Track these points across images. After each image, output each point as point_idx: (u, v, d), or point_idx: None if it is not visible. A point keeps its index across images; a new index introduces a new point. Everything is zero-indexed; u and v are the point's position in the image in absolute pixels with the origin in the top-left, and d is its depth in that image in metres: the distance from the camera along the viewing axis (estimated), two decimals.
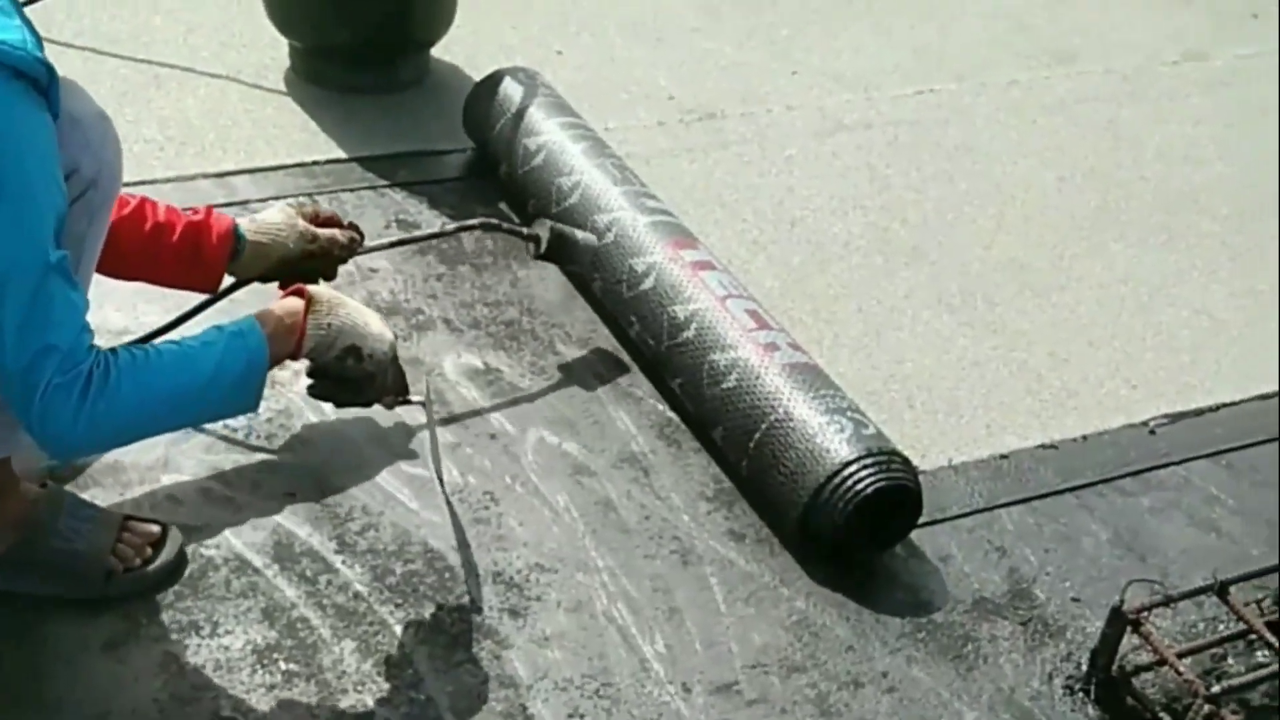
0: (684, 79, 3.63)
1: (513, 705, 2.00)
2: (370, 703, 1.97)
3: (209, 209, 2.20)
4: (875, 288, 2.96)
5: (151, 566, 2.08)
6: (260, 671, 1.99)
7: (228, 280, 2.26)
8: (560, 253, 2.61)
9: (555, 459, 2.41)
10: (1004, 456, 2.55)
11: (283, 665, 2.00)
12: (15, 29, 1.64)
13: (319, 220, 2.29)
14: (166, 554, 2.10)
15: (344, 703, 1.96)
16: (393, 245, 2.52)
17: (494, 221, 2.60)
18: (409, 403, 2.18)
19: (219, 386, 1.83)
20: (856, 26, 4.02)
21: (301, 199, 2.53)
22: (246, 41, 3.43)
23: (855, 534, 2.24)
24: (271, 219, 2.24)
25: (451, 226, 2.61)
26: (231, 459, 2.31)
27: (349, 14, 3.24)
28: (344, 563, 2.17)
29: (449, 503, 2.29)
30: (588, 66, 3.63)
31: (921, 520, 2.35)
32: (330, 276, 2.31)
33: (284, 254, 2.23)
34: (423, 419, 2.39)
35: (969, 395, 2.69)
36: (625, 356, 2.65)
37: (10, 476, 2.01)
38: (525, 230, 2.61)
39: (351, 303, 2.02)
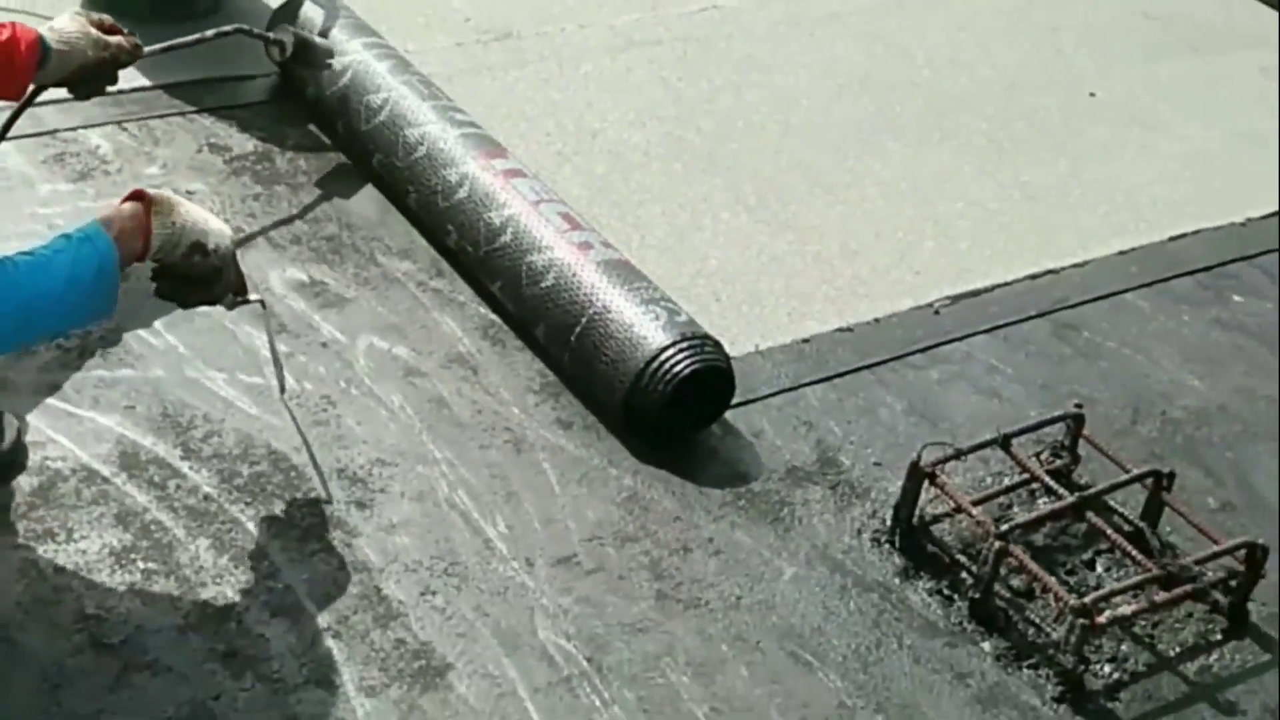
0: (478, 2, 3.72)
1: (367, 587, 2.12)
2: (230, 594, 2.07)
3: (12, 23, 2.20)
4: (676, 192, 3.12)
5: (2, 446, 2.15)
6: (119, 571, 2.06)
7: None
8: (303, 56, 2.92)
9: (386, 362, 2.52)
10: (805, 340, 2.75)
11: (141, 564, 2.08)
12: None
13: (105, 27, 2.35)
14: (8, 438, 2.16)
15: (205, 594, 2.06)
16: (165, 49, 2.61)
17: (245, 28, 2.85)
18: (248, 301, 2.23)
19: (75, 291, 1.89)
20: None
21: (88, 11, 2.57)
22: (52, 6, 3.41)
23: (675, 414, 2.40)
24: (69, 28, 2.28)
25: (210, 32, 2.76)
26: (67, 376, 2.36)
27: None
28: (191, 468, 2.25)
29: (283, 387, 2.38)
30: None
31: (735, 401, 2.53)
32: (113, 81, 2.36)
33: (82, 61, 2.27)
34: (252, 329, 2.47)
35: (770, 286, 2.87)
36: (445, 264, 2.76)
37: None
38: (270, 35, 2.92)
39: (187, 203, 2.07)
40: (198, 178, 2.85)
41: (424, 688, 1.99)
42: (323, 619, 2.06)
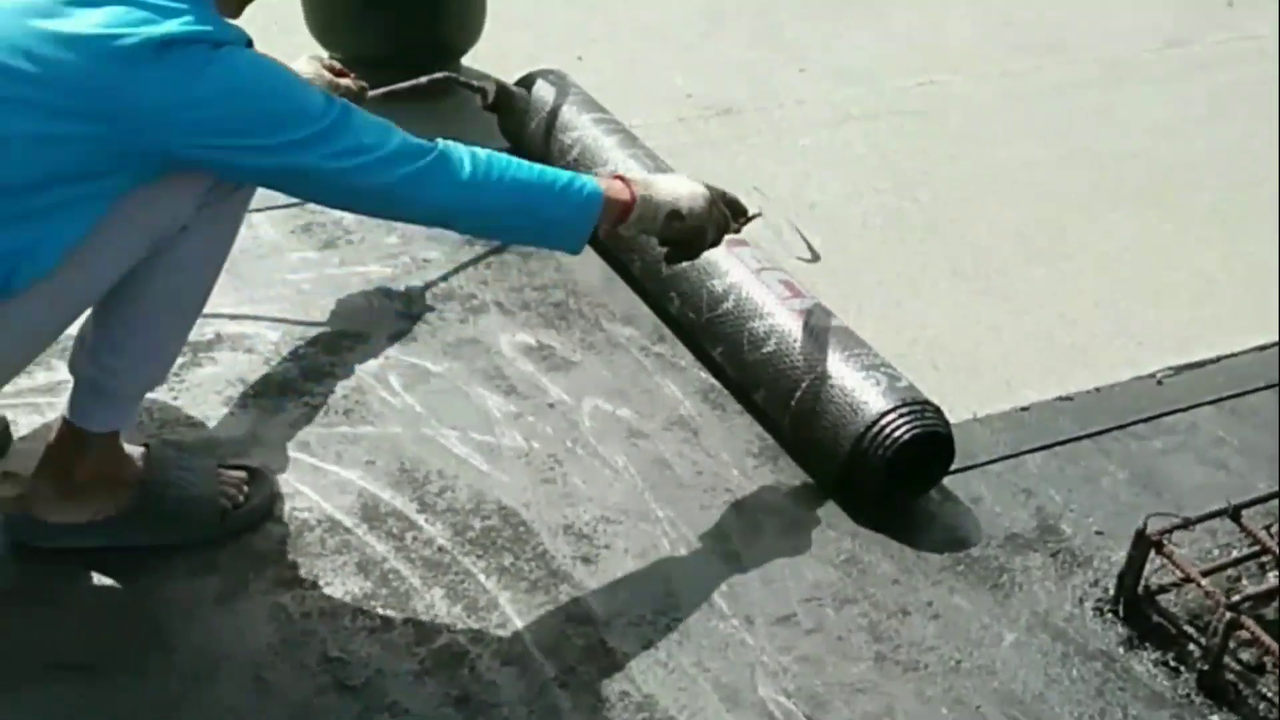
0: (699, 79, 3.83)
1: (592, 640, 2.18)
2: (463, 641, 2.15)
3: None
4: (893, 262, 3.16)
5: (255, 501, 2.28)
6: (361, 617, 2.17)
7: None
8: (505, 103, 3.19)
9: (611, 424, 2.60)
10: (1024, 409, 2.75)
11: (380, 611, 2.18)
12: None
13: (335, 71, 2.62)
14: (262, 489, 2.30)
15: (439, 642, 2.14)
16: (386, 93, 2.88)
17: (454, 75, 3.16)
18: (751, 219, 2.44)
19: (563, 203, 2.10)
20: (856, 26, 4.23)
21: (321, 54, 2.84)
22: (289, 53, 3.60)
23: (894, 479, 2.43)
24: (305, 70, 2.54)
25: (424, 79, 3.05)
26: (314, 433, 2.49)
27: (383, 25, 3.44)
28: (426, 521, 2.35)
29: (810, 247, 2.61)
30: (607, 70, 3.83)
31: (953, 467, 2.55)
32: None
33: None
34: (483, 389, 2.58)
35: (988, 355, 2.89)
36: (666, 330, 2.84)
37: (121, 441, 2.20)
38: (475, 83, 3.18)
39: (661, 178, 2.28)
40: (434, 246, 2.99)
41: None
42: (550, 668, 2.13)
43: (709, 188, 2.32)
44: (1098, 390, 2.81)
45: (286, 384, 2.59)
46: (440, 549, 2.30)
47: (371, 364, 2.67)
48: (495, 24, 3.70)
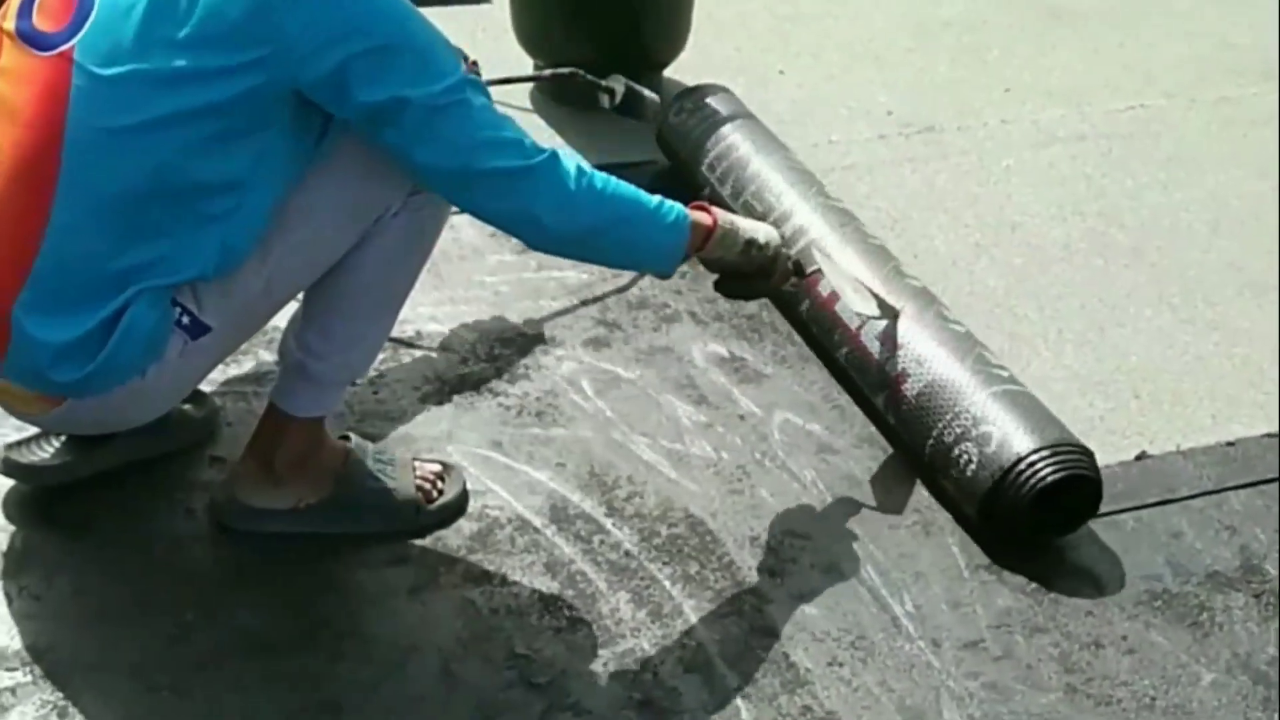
0: (901, 96, 3.79)
1: (775, 654, 2.17)
2: (647, 646, 2.16)
3: None
4: (1097, 287, 3.09)
5: (449, 497, 2.32)
6: (548, 616, 2.19)
7: None
8: (633, 107, 3.06)
9: (801, 438, 2.59)
10: (1230, 444, 2.66)
11: (566, 612, 2.20)
12: None
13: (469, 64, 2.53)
14: (454, 486, 2.34)
15: (623, 645, 2.15)
16: (502, 81, 3.05)
17: (580, 71, 3.13)
18: (807, 276, 2.48)
19: (653, 225, 2.12)
20: (1065, 46, 4.15)
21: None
22: (494, 62, 3.67)
23: (1041, 519, 2.36)
24: None
25: (548, 71, 3.17)
26: (507, 433, 2.53)
27: (589, 36, 3.47)
28: (614, 525, 2.36)
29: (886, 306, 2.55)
30: (808, 84, 3.82)
31: (1152, 500, 2.49)
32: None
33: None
34: (674, 398, 2.59)
35: (1193, 387, 2.80)
36: None
37: (325, 431, 2.26)
38: (603, 82, 3.07)
39: (734, 214, 2.32)
40: None
41: None
42: (732, 679, 2.12)
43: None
44: None
45: (481, 383, 2.63)
46: (627, 553, 2.31)
47: (565, 368, 2.70)
48: (699, 35, 3.71)
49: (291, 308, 2.21)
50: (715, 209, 2.27)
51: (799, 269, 2.44)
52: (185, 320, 1.99)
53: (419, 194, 2.07)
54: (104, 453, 2.29)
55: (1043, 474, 2.31)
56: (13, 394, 2.04)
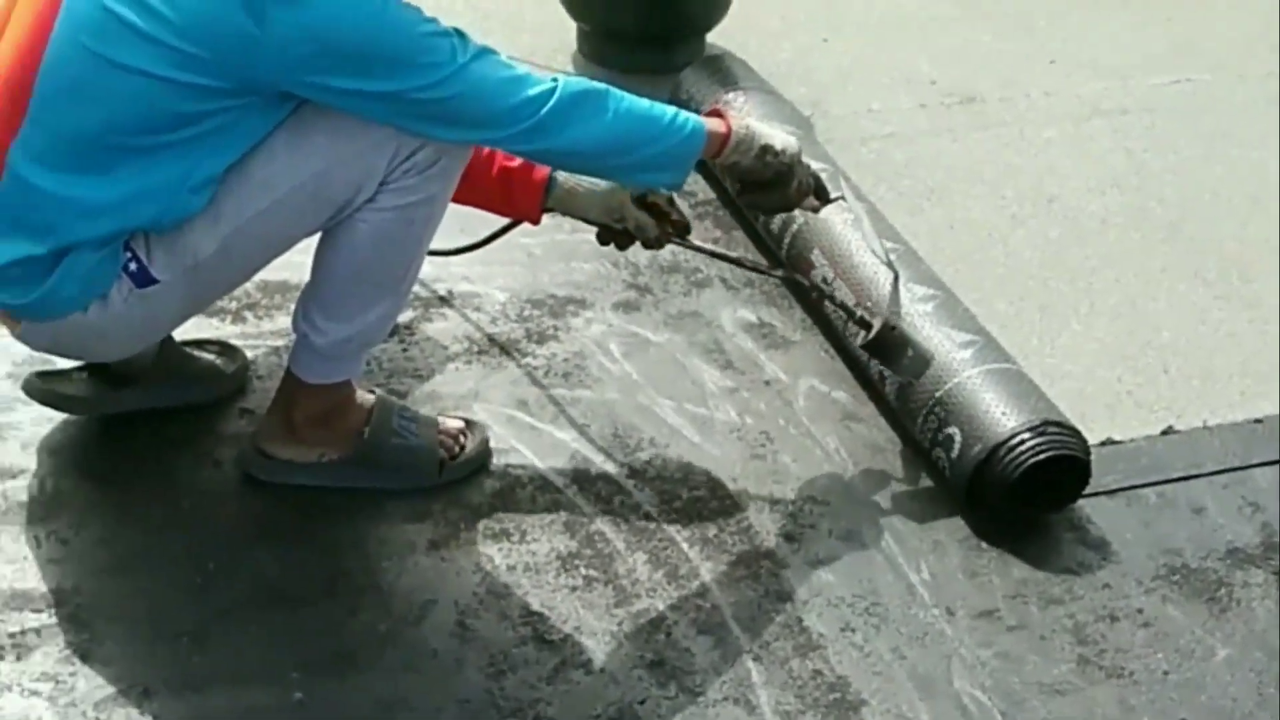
0: (945, 65, 3.76)
1: (789, 617, 2.19)
2: (661, 607, 2.18)
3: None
4: (1131, 262, 3.07)
5: (471, 453, 2.35)
6: (564, 574, 2.21)
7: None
8: (885, 354, 2.44)
9: (826, 405, 2.59)
10: (1258, 421, 2.64)
11: (583, 570, 2.22)
12: None
13: (645, 204, 2.38)
14: (477, 441, 2.37)
15: (637, 605, 2.18)
16: (711, 254, 2.59)
17: (831, 295, 2.57)
18: (829, 201, 2.43)
19: (670, 136, 2.14)
20: (1113, 18, 4.10)
21: None
22: (538, 25, 3.69)
23: (1027, 500, 2.34)
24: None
25: (779, 273, 2.68)
26: (534, 392, 2.55)
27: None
28: (635, 486, 2.38)
29: (888, 260, 2.50)
30: (852, 53, 3.80)
31: (1176, 475, 2.48)
32: (621, 247, 2.47)
33: (583, 214, 2.45)
34: (701, 362, 2.60)
35: (1224, 363, 2.78)
36: None
37: (352, 389, 2.29)
38: (859, 314, 2.47)
39: (755, 120, 2.32)
40: None
41: (837, 719, 2.04)
42: (745, 641, 2.14)
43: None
44: None
45: (510, 344, 2.65)
46: (646, 515, 2.33)
47: (594, 330, 2.71)
48: (743, 1, 3.70)
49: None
50: (731, 113, 2.28)
51: (821, 191, 2.41)
52: (133, 267, 2.04)
53: (405, 179, 2.08)
54: (127, 395, 2.34)
55: (1019, 462, 2.30)
56: None
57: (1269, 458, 2.56)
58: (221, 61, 1.91)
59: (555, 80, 2.07)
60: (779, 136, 2.29)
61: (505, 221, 2.61)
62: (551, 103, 2.04)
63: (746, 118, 2.31)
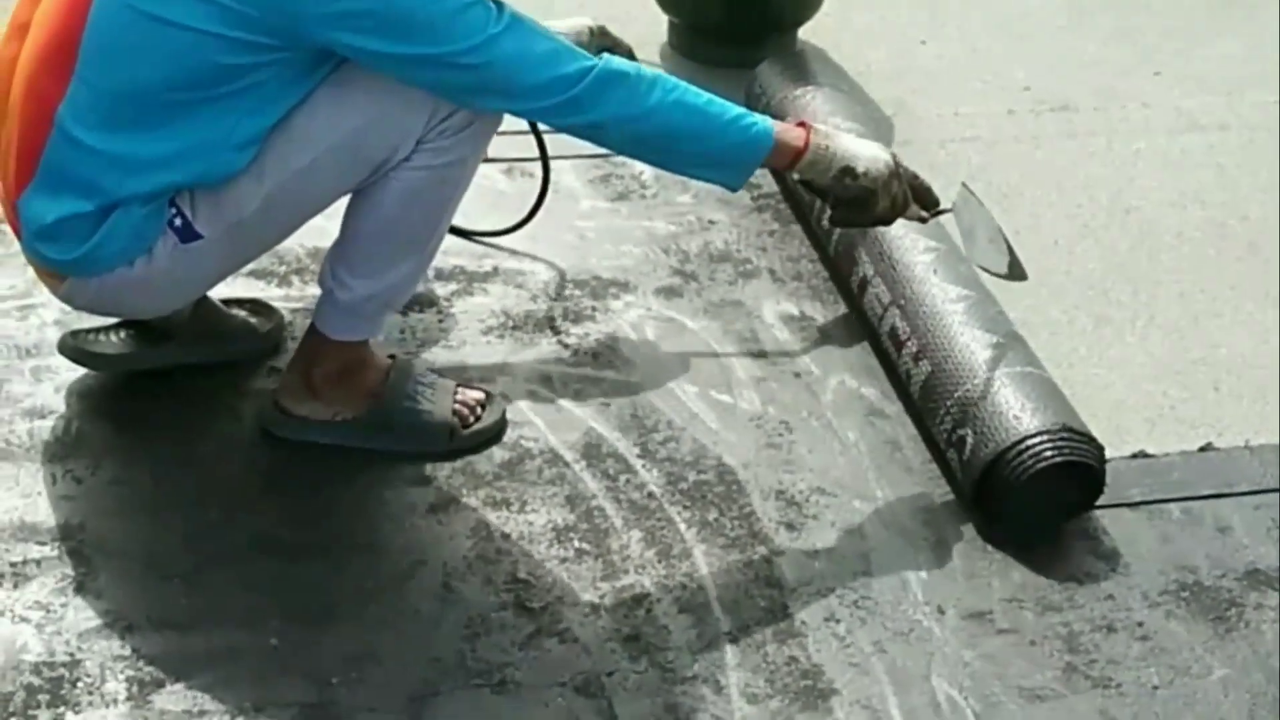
0: (1042, 73, 3.70)
1: (775, 604, 2.18)
2: (647, 584, 2.19)
3: None
4: (1202, 277, 2.98)
5: (484, 424, 2.38)
6: (556, 546, 2.24)
7: None
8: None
9: (852, 400, 2.57)
10: None
11: (576, 543, 2.24)
12: None
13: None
14: (493, 414, 2.40)
15: (623, 581, 2.19)
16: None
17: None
18: (940, 213, 2.40)
19: (727, 137, 2.14)
20: (1230, 33, 3.98)
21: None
22: (632, 17, 3.71)
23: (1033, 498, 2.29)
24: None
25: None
26: (559, 369, 2.57)
27: None
28: (644, 466, 2.39)
29: (1014, 264, 2.47)
30: (948, 56, 3.76)
31: (1206, 493, 2.41)
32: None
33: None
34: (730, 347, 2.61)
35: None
36: None
37: (370, 351, 2.34)
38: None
39: (846, 135, 2.28)
40: (722, 209, 3.02)
41: (804, 706, 2.03)
42: (725, 623, 2.14)
43: (897, 162, 2.28)
44: None
45: (546, 321, 2.68)
46: (650, 494, 2.34)
47: (632, 314, 2.73)
48: (842, 1, 3.69)
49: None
50: (818, 128, 2.24)
51: (928, 201, 2.35)
52: (178, 223, 2.10)
53: (439, 140, 2.13)
54: (162, 351, 2.42)
55: (1027, 466, 2.25)
56: (36, 269, 2.23)
57: None
58: (265, 17, 1.96)
59: (598, 59, 2.09)
60: (865, 157, 2.23)
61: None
62: (588, 80, 2.06)
63: (834, 134, 2.25)
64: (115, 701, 1.94)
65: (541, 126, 2.70)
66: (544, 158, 2.77)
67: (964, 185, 2.49)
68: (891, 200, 2.29)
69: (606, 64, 2.08)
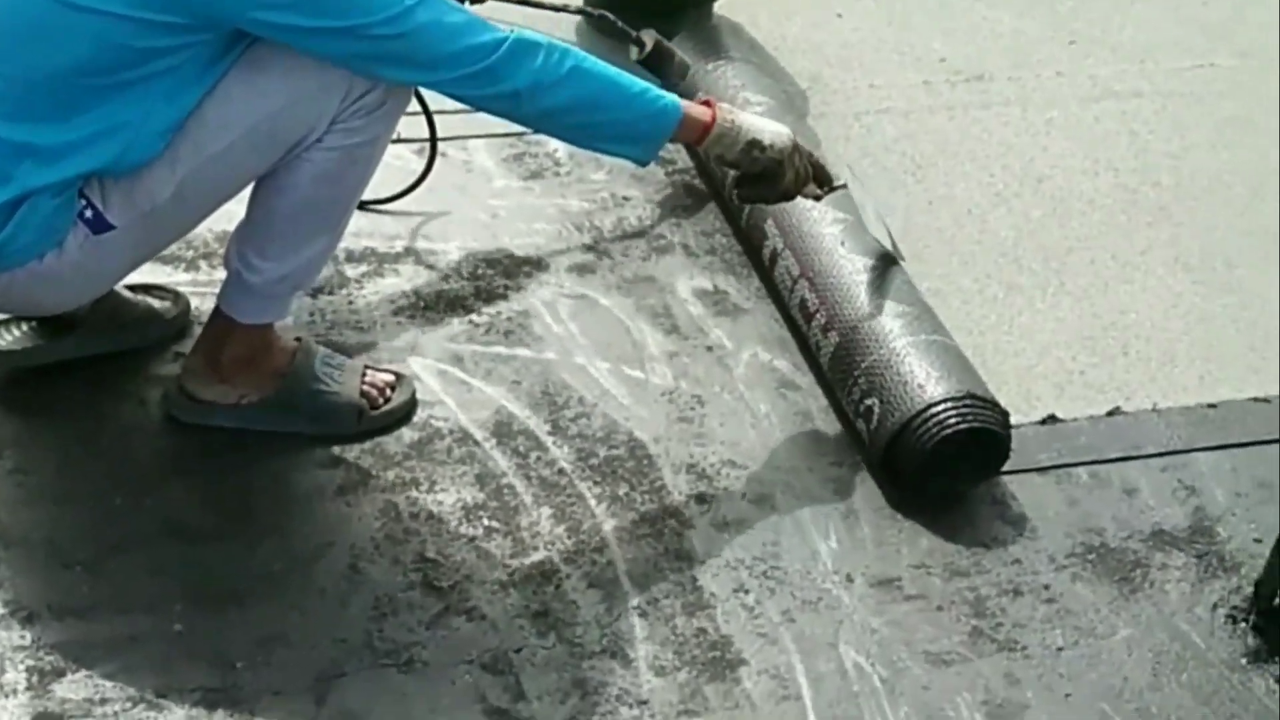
0: (958, 43, 3.71)
1: (684, 576, 2.19)
2: (556, 560, 2.19)
3: None
4: (1112, 243, 3.01)
5: (393, 405, 2.38)
6: (465, 524, 2.23)
7: None
8: (659, 64, 2.85)
9: (764, 373, 2.58)
10: (1212, 405, 2.58)
11: (485, 521, 2.24)
12: None
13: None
14: (402, 395, 2.40)
15: (532, 558, 2.19)
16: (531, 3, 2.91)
17: (610, 17, 2.98)
18: (835, 189, 2.44)
19: (636, 108, 2.16)
20: (1143, 1, 4.01)
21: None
22: None
23: (944, 475, 2.32)
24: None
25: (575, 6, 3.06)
26: (471, 349, 2.56)
27: None
28: (554, 443, 2.39)
29: (894, 247, 2.53)
30: (864, 28, 3.75)
31: (1113, 456, 2.43)
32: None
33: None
34: (645, 324, 2.61)
35: (1187, 347, 2.72)
36: None
37: (276, 334, 2.33)
38: (634, 33, 2.87)
39: (748, 113, 2.33)
40: (636, 186, 3.01)
41: (712, 677, 2.04)
42: (634, 597, 2.14)
43: (797, 140, 2.32)
44: None
45: (457, 301, 2.67)
46: (560, 471, 2.34)
47: (544, 291, 2.72)
48: None
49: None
50: (722, 105, 2.28)
51: (824, 178, 2.41)
52: (89, 214, 2.06)
53: (352, 120, 2.11)
54: (68, 342, 2.38)
55: (932, 435, 2.27)
56: None
57: (1215, 442, 2.50)
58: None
59: (510, 30, 2.09)
60: (769, 131, 2.29)
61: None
62: (501, 51, 2.06)
63: (738, 111, 2.29)
64: (15, 692, 1.93)
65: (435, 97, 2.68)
66: (428, 115, 2.77)
67: (848, 167, 2.53)
68: (795, 173, 2.33)
69: (519, 35, 2.08)
